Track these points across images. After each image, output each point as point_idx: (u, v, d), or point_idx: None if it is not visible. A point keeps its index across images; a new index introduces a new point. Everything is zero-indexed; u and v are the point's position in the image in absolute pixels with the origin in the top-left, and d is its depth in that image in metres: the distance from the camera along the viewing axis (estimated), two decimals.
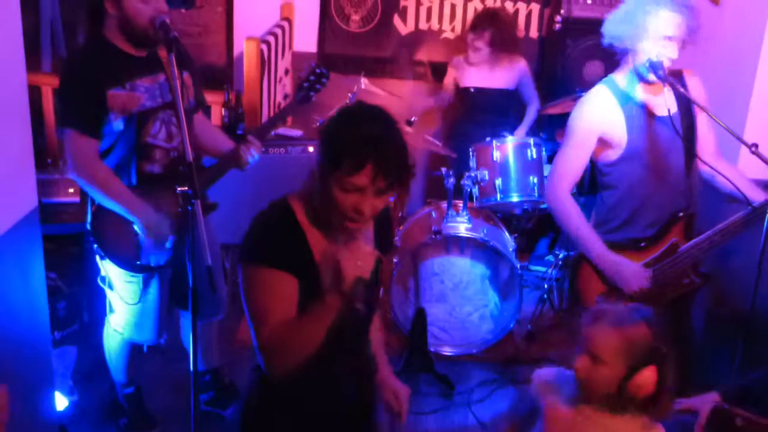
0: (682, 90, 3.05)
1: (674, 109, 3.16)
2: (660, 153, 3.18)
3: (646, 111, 3.17)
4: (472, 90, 5.21)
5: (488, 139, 4.62)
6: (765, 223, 2.82)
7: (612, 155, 3.21)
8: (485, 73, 5.19)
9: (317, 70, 3.44)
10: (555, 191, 3.24)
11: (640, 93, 3.16)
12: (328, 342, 2.07)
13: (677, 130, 3.12)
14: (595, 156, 3.26)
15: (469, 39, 5.13)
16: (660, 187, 3.19)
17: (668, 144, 3.17)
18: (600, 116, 3.16)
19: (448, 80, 5.35)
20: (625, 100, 3.16)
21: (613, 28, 3.12)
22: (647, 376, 2.15)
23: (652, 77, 3.05)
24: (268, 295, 2.09)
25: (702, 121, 3.24)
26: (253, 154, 3.35)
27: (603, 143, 3.20)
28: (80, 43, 3.25)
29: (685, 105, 3.20)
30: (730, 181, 3.13)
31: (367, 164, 1.98)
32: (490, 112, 5.23)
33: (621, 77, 3.20)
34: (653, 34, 3.01)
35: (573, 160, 3.23)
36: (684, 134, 3.17)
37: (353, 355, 2.31)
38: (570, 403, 2.31)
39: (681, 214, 3.17)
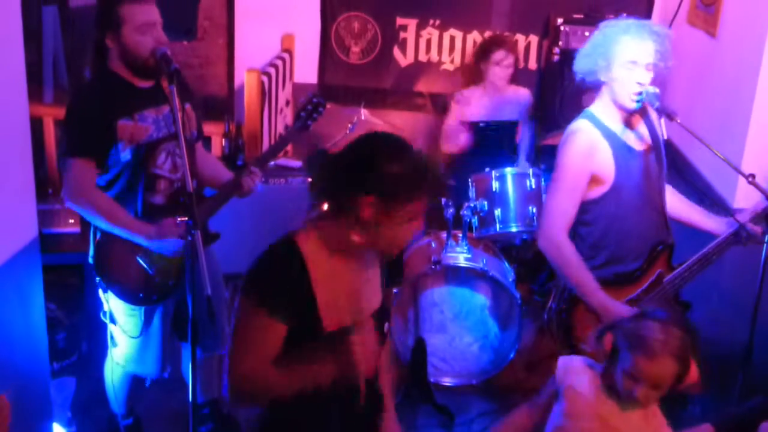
0: (678, 121, 3.06)
1: (648, 142, 3.19)
2: (640, 187, 3.18)
3: (627, 144, 3.17)
4: (481, 124, 5.18)
5: (487, 169, 4.63)
6: (763, 253, 2.84)
7: (597, 192, 3.17)
8: (493, 106, 5.18)
9: (314, 100, 3.46)
10: (551, 235, 3.15)
11: (619, 126, 3.17)
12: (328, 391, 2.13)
13: (662, 162, 3.17)
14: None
15: (497, 58, 5.02)
16: (640, 221, 3.20)
17: (646, 177, 3.19)
18: (591, 153, 3.12)
19: (453, 119, 5.22)
20: (608, 133, 3.15)
21: (583, 62, 3.12)
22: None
23: (634, 106, 3.07)
24: (254, 336, 2.12)
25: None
26: (254, 183, 3.36)
27: (593, 180, 3.15)
28: (87, 76, 3.25)
29: (656, 139, 3.22)
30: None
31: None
32: (496, 144, 5.23)
33: (599, 110, 3.19)
34: (620, 61, 3.02)
35: (567, 201, 3.15)
36: (658, 167, 3.20)
37: (355, 399, 2.30)
38: (592, 390, 2.53)
39: (664, 245, 3.18)
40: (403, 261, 4.55)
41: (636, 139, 3.18)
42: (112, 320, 3.34)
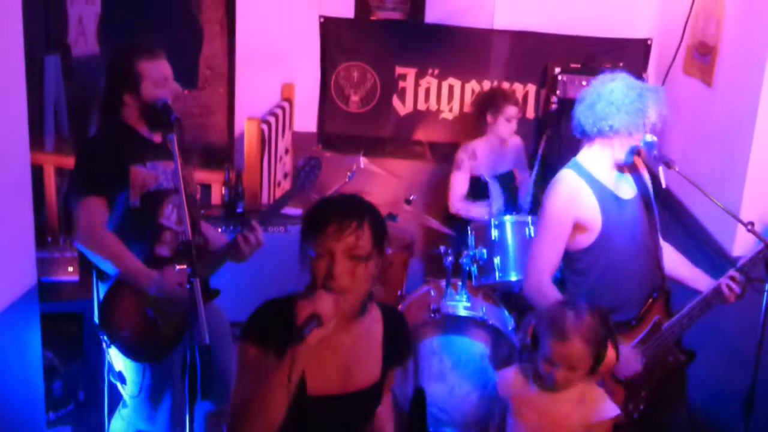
0: (677, 169, 3.07)
1: (635, 192, 3.22)
2: (630, 235, 3.20)
3: (614, 194, 3.20)
4: (483, 179, 5.22)
5: (486, 217, 4.64)
6: (764, 300, 2.84)
7: (586, 240, 3.19)
8: (495, 158, 5.23)
9: (311, 161, 3.54)
10: (533, 279, 3.20)
11: (606, 176, 3.19)
12: None
13: (653, 210, 3.20)
14: (568, 242, 3.22)
15: (509, 114, 5.11)
16: (634, 269, 3.20)
17: (636, 225, 3.21)
18: (573, 200, 3.16)
19: (464, 175, 5.21)
20: (593, 182, 3.18)
21: (618, 117, 3.06)
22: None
23: (630, 159, 3.13)
24: (250, 374, 2.14)
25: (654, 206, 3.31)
26: (255, 238, 3.35)
27: (578, 228, 3.17)
28: (91, 126, 3.32)
29: (644, 189, 3.25)
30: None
31: (330, 224, 2.06)
32: (495, 194, 5.26)
33: (587, 160, 3.22)
34: (650, 124, 3.08)
35: (549, 248, 3.20)
36: (648, 215, 3.22)
37: None
38: (533, 387, 2.88)
39: (660, 292, 3.18)
40: (410, 340, 4.53)
41: (624, 188, 3.21)
42: (122, 380, 3.31)
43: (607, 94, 3.09)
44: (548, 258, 3.19)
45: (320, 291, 2.05)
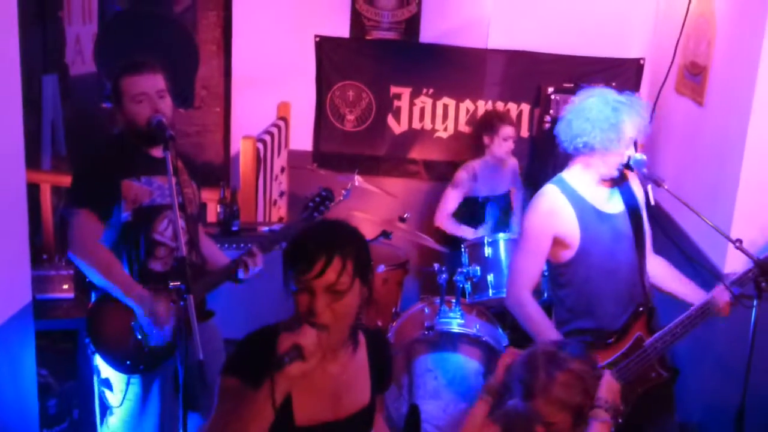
0: (666, 187, 3.10)
1: (622, 206, 3.24)
2: (612, 251, 3.22)
3: (597, 209, 3.22)
4: (480, 199, 5.26)
5: (480, 235, 4.67)
6: (752, 316, 2.86)
7: (566, 255, 3.23)
8: (493, 178, 5.27)
9: (323, 193, 3.57)
10: (513, 293, 3.26)
11: (590, 191, 3.22)
12: None
13: (641, 226, 3.21)
14: (550, 257, 3.27)
15: (506, 134, 5.17)
16: (614, 285, 3.22)
17: (619, 241, 3.23)
18: (552, 216, 3.19)
19: (460, 194, 5.29)
20: (575, 198, 3.21)
21: (592, 133, 3.10)
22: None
23: (617, 174, 3.16)
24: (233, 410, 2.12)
25: (645, 220, 3.33)
26: (255, 264, 3.37)
27: (557, 243, 3.21)
28: (87, 144, 3.36)
29: (632, 203, 3.27)
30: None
31: (310, 261, 2.03)
32: (491, 216, 5.29)
33: (571, 175, 3.25)
34: (628, 138, 3.10)
35: (530, 264, 3.25)
36: (634, 232, 3.24)
37: None
38: None
39: (641, 308, 3.20)
40: (395, 329, 4.55)
41: (609, 203, 3.24)
42: (109, 386, 3.30)
43: (583, 111, 3.13)
44: (527, 272, 3.25)
45: (305, 326, 2.03)
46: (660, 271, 3.40)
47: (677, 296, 3.34)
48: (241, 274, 3.34)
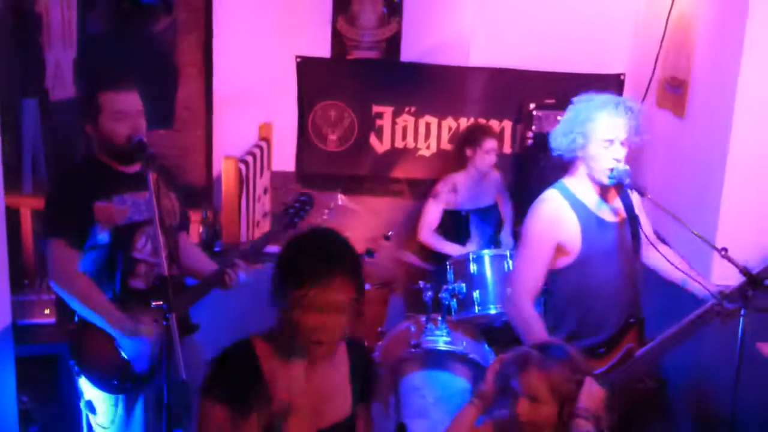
0: (650, 197, 3.10)
1: (622, 215, 3.22)
2: (610, 260, 3.20)
3: (598, 217, 3.20)
4: (463, 213, 5.25)
5: (465, 251, 4.65)
6: (740, 328, 2.85)
7: (563, 262, 3.19)
8: (477, 191, 5.26)
9: (301, 198, 3.54)
10: (515, 302, 3.20)
11: (591, 198, 3.20)
12: None
13: (638, 236, 3.19)
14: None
15: (488, 147, 5.15)
16: (607, 295, 3.19)
17: (619, 250, 3.21)
18: (555, 223, 3.15)
19: (440, 206, 5.24)
20: (577, 204, 3.18)
21: (560, 140, 3.16)
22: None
23: (609, 181, 3.12)
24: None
25: (644, 225, 3.29)
26: (237, 275, 3.36)
27: (559, 250, 3.17)
28: (68, 165, 3.33)
29: (631, 212, 3.25)
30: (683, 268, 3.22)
31: (309, 278, 2.00)
32: (477, 229, 5.28)
33: (572, 182, 3.23)
34: (597, 139, 3.08)
35: (531, 270, 3.19)
36: (633, 240, 3.22)
37: None
38: None
39: (633, 320, 3.18)
40: (381, 347, 4.52)
41: (609, 212, 3.21)
42: (92, 410, 3.26)
43: (568, 119, 3.16)
44: (528, 279, 3.18)
45: (293, 358, 2.03)
46: (668, 259, 3.32)
47: (683, 284, 3.28)
48: (224, 283, 3.31)
